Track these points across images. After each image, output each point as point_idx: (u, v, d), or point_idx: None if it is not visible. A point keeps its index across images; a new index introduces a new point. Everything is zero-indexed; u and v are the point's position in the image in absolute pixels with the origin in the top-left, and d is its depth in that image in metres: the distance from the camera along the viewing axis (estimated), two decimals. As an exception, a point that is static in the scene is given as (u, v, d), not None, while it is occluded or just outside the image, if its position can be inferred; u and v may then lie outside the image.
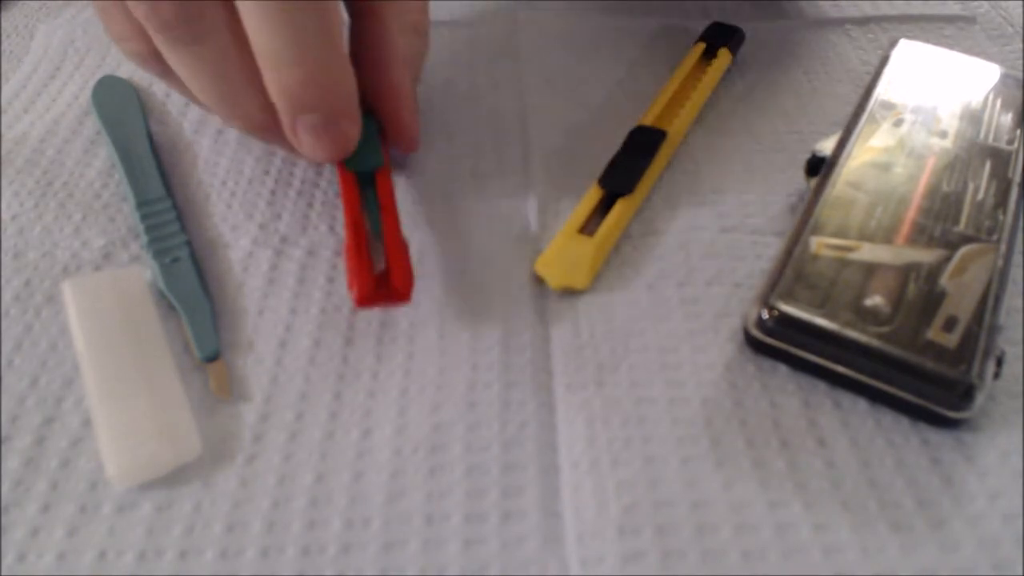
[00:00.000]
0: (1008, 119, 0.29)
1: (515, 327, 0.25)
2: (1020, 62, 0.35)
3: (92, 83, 0.33)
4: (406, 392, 0.23)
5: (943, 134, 0.28)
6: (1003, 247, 0.24)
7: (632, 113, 0.32)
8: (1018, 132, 0.28)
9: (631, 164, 0.28)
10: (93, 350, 0.23)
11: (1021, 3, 0.39)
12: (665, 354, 0.24)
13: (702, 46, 0.34)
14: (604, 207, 0.28)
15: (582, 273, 0.26)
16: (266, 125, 0.24)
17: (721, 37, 0.34)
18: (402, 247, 0.25)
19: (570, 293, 0.26)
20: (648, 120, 0.31)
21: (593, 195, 0.28)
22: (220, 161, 0.31)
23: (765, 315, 0.23)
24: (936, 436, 0.22)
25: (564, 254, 0.26)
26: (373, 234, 0.25)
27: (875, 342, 0.22)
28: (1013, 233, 0.25)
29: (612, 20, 0.38)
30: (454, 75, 0.35)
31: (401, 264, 0.24)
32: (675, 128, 0.30)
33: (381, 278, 0.24)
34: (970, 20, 0.38)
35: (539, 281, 0.26)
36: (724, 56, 0.34)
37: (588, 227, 0.27)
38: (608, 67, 0.35)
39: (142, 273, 0.26)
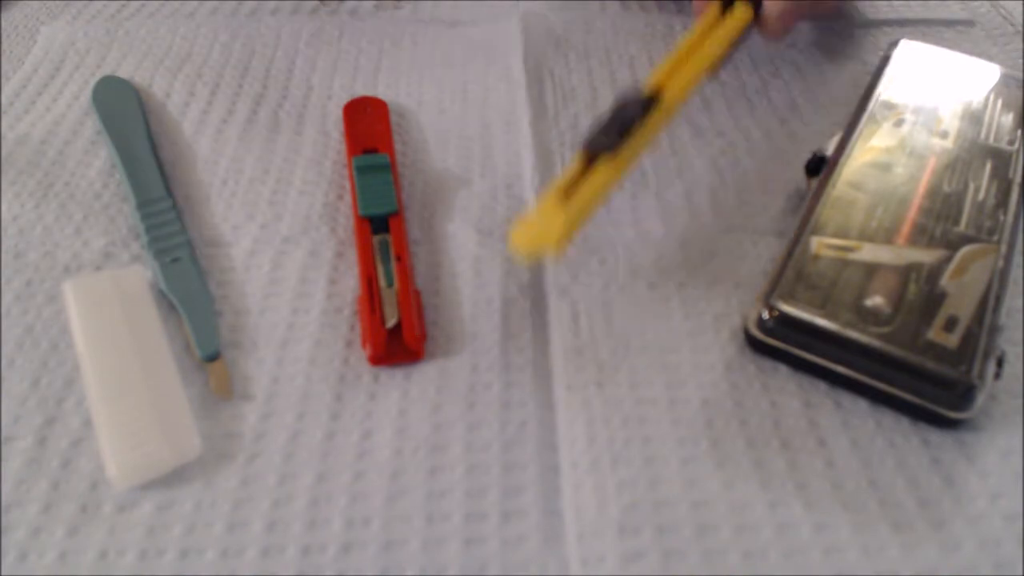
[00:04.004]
0: (1009, 120, 0.29)
1: (515, 327, 0.25)
2: (1020, 62, 0.35)
3: (92, 83, 0.33)
4: (407, 393, 0.23)
5: (944, 134, 0.28)
6: (1004, 247, 0.24)
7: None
8: (1019, 132, 0.28)
9: (616, 128, 0.25)
10: (94, 350, 0.23)
11: (1021, 3, 0.39)
12: (665, 354, 0.24)
13: (718, 4, 0.30)
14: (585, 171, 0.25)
15: (552, 239, 0.23)
16: None
17: None
18: (415, 302, 0.25)
19: (553, 264, 0.23)
20: (653, 80, 0.27)
21: (578, 161, 0.25)
22: (220, 161, 0.31)
23: (766, 315, 0.23)
24: (937, 436, 0.22)
25: (539, 221, 0.24)
26: (387, 283, 0.25)
27: (876, 342, 0.22)
28: (1014, 233, 0.25)
29: (623, 18, 0.38)
30: (453, 75, 0.35)
31: (413, 323, 0.24)
32: (673, 89, 0.27)
33: (395, 332, 0.24)
34: (969, 23, 0.38)
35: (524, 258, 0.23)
36: (742, 10, 0.30)
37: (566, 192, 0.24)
38: (618, 69, 0.35)
39: (143, 273, 0.26)
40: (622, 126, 0.25)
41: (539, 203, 0.24)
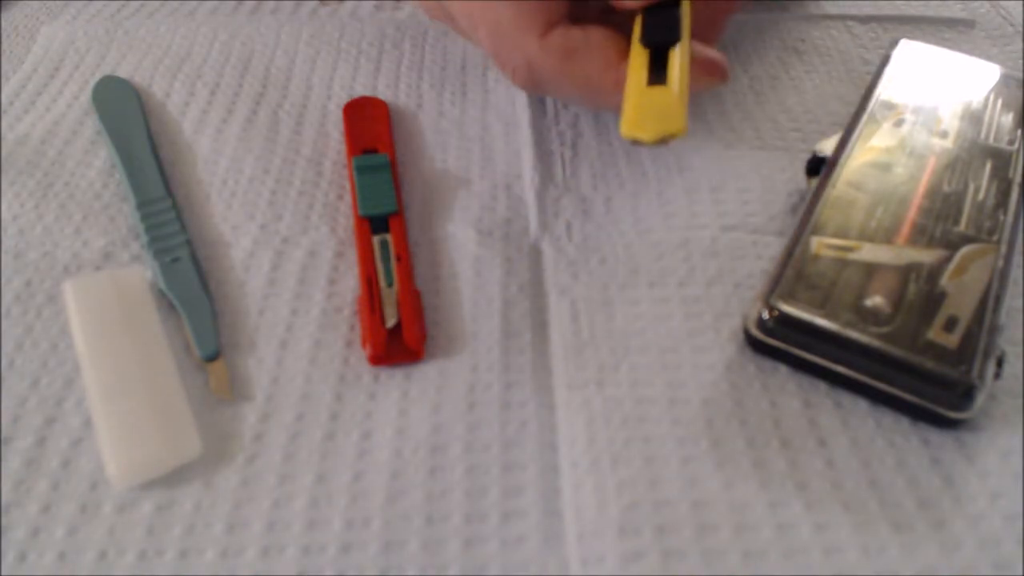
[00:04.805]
0: (1009, 119, 0.29)
1: (515, 327, 0.25)
2: (1020, 62, 0.35)
3: (92, 83, 0.33)
4: (407, 393, 0.23)
5: (944, 134, 0.28)
6: (1003, 247, 0.24)
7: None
8: (1019, 132, 0.28)
9: (664, 14, 0.26)
10: (94, 350, 0.23)
11: (1021, 3, 0.39)
12: (665, 354, 0.24)
13: None
14: (655, 65, 0.25)
15: (676, 117, 0.23)
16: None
17: None
18: (415, 302, 0.25)
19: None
20: None
21: (640, 56, 0.25)
22: (220, 161, 0.31)
23: (766, 315, 0.23)
24: (936, 436, 0.22)
25: (647, 107, 0.24)
26: (387, 283, 0.25)
27: (876, 342, 0.22)
28: (1013, 233, 0.25)
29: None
30: (452, 75, 0.35)
31: (413, 322, 0.24)
32: None
33: (395, 332, 0.24)
34: (970, 24, 0.38)
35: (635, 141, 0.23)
36: None
37: (651, 82, 0.25)
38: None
39: (142, 273, 0.26)
40: (671, 12, 0.26)
41: (631, 96, 0.24)
